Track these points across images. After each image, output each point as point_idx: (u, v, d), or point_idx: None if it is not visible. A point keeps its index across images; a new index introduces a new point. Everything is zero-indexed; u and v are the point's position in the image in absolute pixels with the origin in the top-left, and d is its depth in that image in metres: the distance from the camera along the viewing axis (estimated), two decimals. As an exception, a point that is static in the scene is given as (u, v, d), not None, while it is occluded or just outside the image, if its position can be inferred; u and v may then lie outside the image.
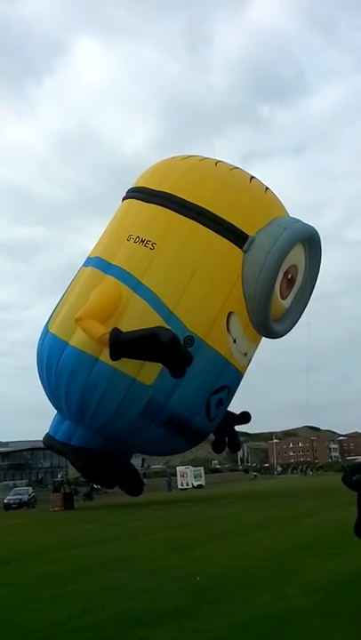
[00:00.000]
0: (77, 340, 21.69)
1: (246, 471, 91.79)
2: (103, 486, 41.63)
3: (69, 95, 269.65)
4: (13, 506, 40.61)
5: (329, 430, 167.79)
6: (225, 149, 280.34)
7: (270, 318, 22.46)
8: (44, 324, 24.31)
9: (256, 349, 24.77)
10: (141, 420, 21.20)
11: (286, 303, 23.49)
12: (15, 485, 48.80)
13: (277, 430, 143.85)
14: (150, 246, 21.73)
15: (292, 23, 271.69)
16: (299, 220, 23.14)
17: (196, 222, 21.90)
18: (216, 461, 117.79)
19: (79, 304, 21.81)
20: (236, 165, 24.43)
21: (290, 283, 23.18)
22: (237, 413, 26.64)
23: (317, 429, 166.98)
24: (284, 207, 24.53)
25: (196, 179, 22.60)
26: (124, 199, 24.80)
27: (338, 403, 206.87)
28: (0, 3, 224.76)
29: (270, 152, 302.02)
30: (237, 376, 23.82)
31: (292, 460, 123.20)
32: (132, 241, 22.13)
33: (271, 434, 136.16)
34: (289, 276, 22.85)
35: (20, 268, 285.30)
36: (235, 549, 11.70)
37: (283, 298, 23.09)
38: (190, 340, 21.14)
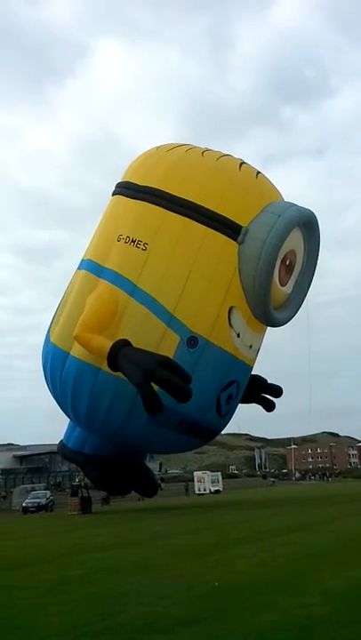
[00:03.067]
0: (78, 350, 21.34)
1: (264, 477, 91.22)
2: (118, 494, 41.65)
3: (90, 98, 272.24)
4: (31, 509, 40.80)
5: (348, 436, 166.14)
6: (246, 152, 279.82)
7: (271, 308, 21.86)
8: (46, 331, 23.96)
9: (262, 340, 24.19)
10: (152, 426, 20.91)
11: (287, 289, 22.80)
12: (33, 489, 49.02)
13: (296, 436, 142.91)
14: (142, 247, 21.09)
15: (314, 23, 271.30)
16: (293, 205, 22.19)
17: (187, 218, 21.17)
18: (234, 467, 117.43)
19: (76, 312, 21.43)
20: (227, 153, 23.33)
21: (288, 269, 22.42)
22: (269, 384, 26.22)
23: (336, 435, 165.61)
24: (277, 190, 23.47)
25: (184, 172, 21.78)
26: (113, 195, 24.07)
27: (357, 409, 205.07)
28: (23, 7, 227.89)
29: (291, 154, 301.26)
30: (246, 369, 23.34)
31: (311, 466, 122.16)
32: (122, 241, 21.50)
33: (289, 439, 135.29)
34: (287, 263, 22.15)
35: (40, 272, 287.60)
36: (253, 556, 11.61)
37: (283, 285, 22.40)
38: (194, 340, 20.76)
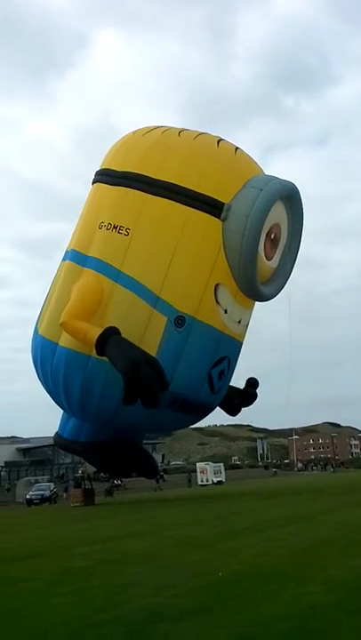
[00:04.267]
0: (66, 340, 21.44)
1: (266, 467, 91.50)
2: (118, 476, 41.77)
3: (91, 89, 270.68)
4: (35, 501, 41.02)
5: (350, 427, 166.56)
6: (247, 141, 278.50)
7: (258, 282, 21.91)
8: (34, 325, 23.97)
9: (251, 314, 24.26)
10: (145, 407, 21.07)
11: (273, 263, 22.84)
12: (37, 481, 49.23)
13: (297, 427, 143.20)
14: (124, 232, 21.07)
15: (316, 10, 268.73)
16: (274, 178, 22.17)
17: (167, 200, 21.10)
18: (236, 457, 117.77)
19: (62, 302, 21.49)
20: (204, 131, 23.18)
21: (274, 242, 22.44)
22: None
23: (338, 426, 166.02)
24: (257, 165, 23.44)
25: (161, 154, 21.64)
26: (92, 183, 23.96)
27: (359, 399, 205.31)
28: None
29: (293, 143, 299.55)
30: (235, 345, 23.51)
31: (313, 457, 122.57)
32: (103, 228, 21.51)
33: (291, 430, 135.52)
34: (272, 236, 22.16)
35: (41, 265, 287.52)
36: (256, 545, 11.64)
37: (269, 259, 22.42)
38: (181, 319, 20.84)
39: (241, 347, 24.26)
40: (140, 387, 19.10)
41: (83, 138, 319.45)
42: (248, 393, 26.27)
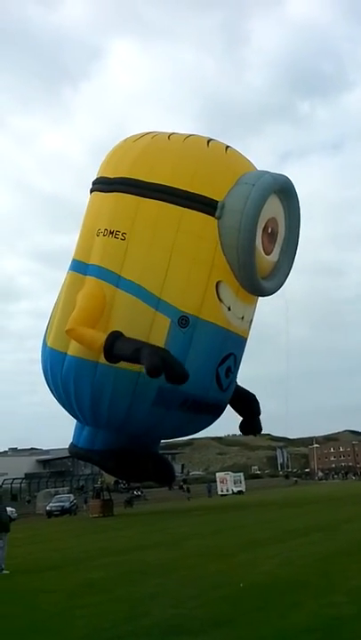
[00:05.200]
0: (74, 348, 21.65)
1: (287, 477, 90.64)
2: (135, 482, 41.56)
3: (105, 100, 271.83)
4: (55, 513, 41.02)
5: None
6: (262, 148, 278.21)
7: (258, 278, 21.90)
8: (42, 338, 24.24)
9: (254, 310, 24.25)
10: (157, 409, 21.20)
11: (273, 257, 22.82)
12: (57, 493, 49.30)
13: (318, 435, 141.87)
14: (121, 237, 21.32)
15: (331, 14, 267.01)
16: (266, 172, 22.16)
17: (161, 202, 21.24)
18: (256, 467, 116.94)
19: (68, 313, 21.75)
20: (193, 133, 23.35)
21: (271, 237, 22.42)
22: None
23: (359, 433, 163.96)
24: (249, 161, 23.46)
25: (152, 157, 21.83)
26: (90, 193, 24.33)
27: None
28: (36, 11, 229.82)
29: (309, 149, 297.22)
30: (240, 341, 23.57)
31: (334, 465, 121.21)
32: (101, 235, 21.77)
33: (311, 439, 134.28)
34: (269, 231, 22.14)
35: (59, 276, 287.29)
36: (277, 556, 11.55)
37: (268, 253, 22.38)
38: (185, 319, 20.95)
39: (245, 343, 24.34)
40: (169, 368, 19.53)
41: (98, 149, 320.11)
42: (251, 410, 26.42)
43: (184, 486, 60.96)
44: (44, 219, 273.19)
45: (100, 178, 23.27)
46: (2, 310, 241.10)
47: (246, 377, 27.20)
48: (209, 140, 22.65)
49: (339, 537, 14.04)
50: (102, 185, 22.90)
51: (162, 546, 15.68)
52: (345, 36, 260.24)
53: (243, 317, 22.99)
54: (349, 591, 7.70)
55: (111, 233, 21.45)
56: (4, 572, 12.59)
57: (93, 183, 23.74)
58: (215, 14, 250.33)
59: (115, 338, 19.96)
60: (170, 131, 23.28)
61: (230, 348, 22.63)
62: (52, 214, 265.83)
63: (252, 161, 23.73)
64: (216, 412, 24.35)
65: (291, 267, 23.64)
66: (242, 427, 27.24)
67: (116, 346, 19.94)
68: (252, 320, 24.19)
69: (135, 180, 21.60)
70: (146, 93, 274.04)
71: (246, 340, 24.21)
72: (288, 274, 23.60)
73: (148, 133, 23.21)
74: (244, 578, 9.11)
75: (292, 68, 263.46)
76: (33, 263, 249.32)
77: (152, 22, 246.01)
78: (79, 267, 22.51)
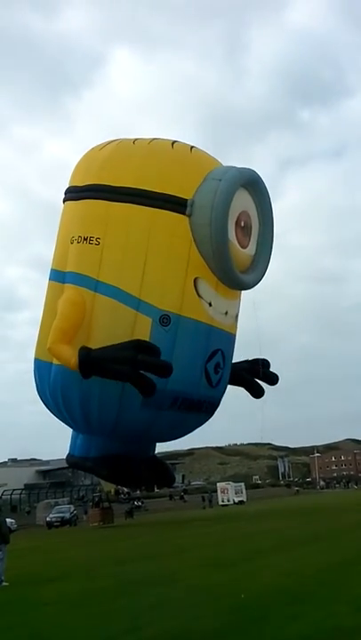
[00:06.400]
0: None
1: (288, 486, 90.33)
2: (132, 487, 41.32)
3: (107, 109, 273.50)
4: (55, 524, 40.85)
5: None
6: (264, 156, 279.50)
7: (236, 271, 22.18)
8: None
9: (239, 305, 24.39)
10: (147, 411, 21.25)
11: (250, 251, 23.16)
12: (57, 503, 49.12)
13: (319, 444, 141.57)
14: (95, 242, 21.69)
15: (330, 22, 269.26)
16: (232, 167, 22.57)
17: (130, 204, 21.68)
18: (257, 477, 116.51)
19: (49, 322, 22.09)
20: (158, 137, 23.56)
21: (245, 230, 22.77)
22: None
23: (360, 442, 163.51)
24: (215, 159, 23.97)
25: (118, 162, 22.23)
26: (63, 203, 24.74)
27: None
28: (38, 20, 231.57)
29: (310, 156, 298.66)
30: (226, 336, 23.68)
31: (335, 474, 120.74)
32: (75, 242, 22.17)
33: (313, 447, 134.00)
34: (242, 224, 22.49)
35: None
36: (279, 566, 11.50)
37: (244, 247, 22.71)
38: (166, 318, 21.16)
39: (234, 339, 24.45)
40: (150, 368, 19.63)
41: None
42: (255, 371, 26.04)
43: (177, 496, 60.90)
44: (45, 228, 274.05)
45: (70, 187, 23.85)
46: (3, 320, 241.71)
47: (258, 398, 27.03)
48: (173, 142, 23.23)
49: (341, 546, 13.98)
50: (72, 194, 23.44)
51: (163, 556, 15.62)
52: (345, 43, 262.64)
53: (226, 313, 23.24)
54: (351, 601, 7.66)
55: (85, 239, 21.88)
56: (4, 583, 12.51)
57: (65, 193, 24.29)
58: (216, 23, 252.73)
59: (86, 355, 20.09)
60: (134, 137, 23.83)
61: (216, 344, 22.83)
62: (54, 223, 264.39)
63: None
64: (209, 410, 24.40)
65: (269, 259, 24.07)
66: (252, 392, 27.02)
67: (95, 366, 20.16)
68: (237, 315, 24.40)
69: (103, 185, 22.12)
70: (147, 102, 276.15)
71: (234, 335, 24.40)
72: (267, 266, 24.01)
73: (113, 140, 23.81)
74: (245, 588, 9.07)
75: (293, 75, 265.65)
76: (34, 272, 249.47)
77: (154, 31, 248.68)
78: (57, 276, 22.96)
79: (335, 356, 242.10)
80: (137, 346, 20.09)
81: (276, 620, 7.07)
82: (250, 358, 26.43)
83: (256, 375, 25.98)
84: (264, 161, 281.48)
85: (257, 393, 26.70)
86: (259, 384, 26.55)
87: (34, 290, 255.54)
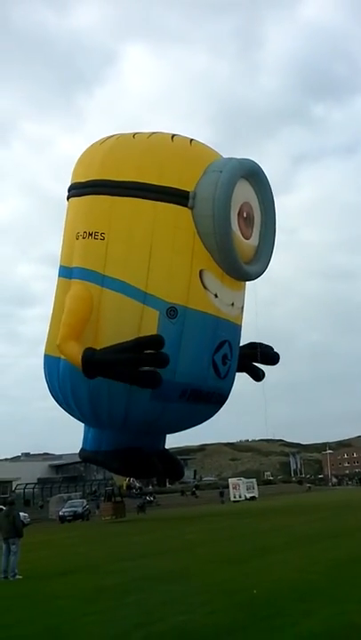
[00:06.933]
0: None
1: (300, 483, 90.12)
2: (145, 478, 41.49)
3: (119, 105, 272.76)
4: (68, 518, 41.13)
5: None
6: (277, 152, 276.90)
7: (241, 262, 22.22)
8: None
9: (244, 296, 24.36)
10: (156, 403, 21.37)
11: (253, 242, 23.21)
12: (70, 498, 49.41)
13: (331, 440, 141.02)
14: (100, 237, 21.80)
15: (344, 16, 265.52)
16: (232, 158, 22.71)
17: (134, 198, 21.72)
18: (268, 473, 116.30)
19: (58, 317, 22.21)
20: (157, 130, 23.71)
21: (248, 221, 22.76)
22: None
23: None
24: (215, 151, 24.00)
25: (119, 157, 22.36)
26: (67, 200, 24.81)
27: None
28: (51, 16, 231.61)
29: (323, 152, 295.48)
30: (233, 327, 23.71)
31: (347, 471, 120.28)
32: (80, 238, 22.31)
33: (325, 444, 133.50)
34: (244, 215, 22.51)
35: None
36: (291, 562, 11.49)
37: (247, 238, 22.78)
38: (173, 310, 21.24)
39: (240, 330, 24.48)
40: (152, 364, 19.92)
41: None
42: (254, 355, 25.94)
43: (189, 491, 61.01)
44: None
45: (73, 184, 23.95)
46: (16, 316, 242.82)
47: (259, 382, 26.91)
48: (173, 136, 23.32)
49: (352, 544, 13.93)
50: (76, 190, 23.58)
51: (174, 552, 15.67)
52: (358, 38, 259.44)
53: (233, 304, 23.30)
54: (363, 599, 7.64)
55: (90, 234, 22.01)
56: (18, 576, 12.64)
57: (68, 190, 24.36)
58: (229, 18, 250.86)
59: (89, 358, 20.16)
60: (133, 131, 23.85)
61: (224, 335, 22.89)
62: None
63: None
64: (219, 401, 24.45)
65: (272, 249, 24.11)
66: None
67: (98, 369, 20.28)
68: (242, 306, 24.37)
69: (106, 180, 22.24)
70: (160, 98, 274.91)
71: (240, 326, 24.40)
72: (271, 257, 23.98)
73: (112, 135, 24.00)
74: (256, 584, 9.07)
75: (306, 70, 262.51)
76: (46, 269, 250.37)
77: (166, 27, 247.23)
78: (65, 272, 23.11)
79: (348, 353, 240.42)
80: (137, 345, 20.14)
81: (288, 616, 7.07)
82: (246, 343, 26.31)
83: (255, 359, 25.94)
84: (277, 157, 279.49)
85: (258, 376, 26.75)
86: (258, 367, 26.58)
87: (46, 286, 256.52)
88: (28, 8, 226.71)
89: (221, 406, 25.07)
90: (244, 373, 26.77)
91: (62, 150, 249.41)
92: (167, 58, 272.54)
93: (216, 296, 22.34)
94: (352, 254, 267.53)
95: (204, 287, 21.99)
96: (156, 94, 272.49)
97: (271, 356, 26.56)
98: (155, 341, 20.27)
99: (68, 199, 24.32)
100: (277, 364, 26.73)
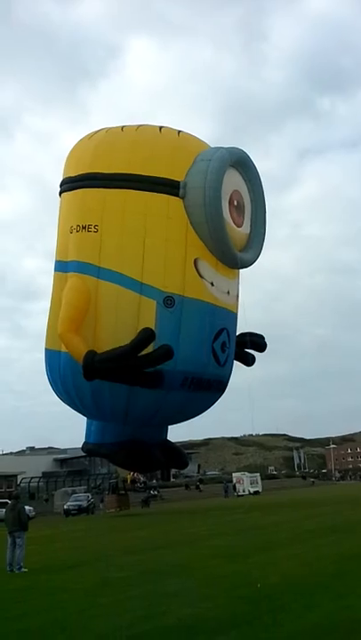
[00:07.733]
0: None
1: (304, 477, 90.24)
2: (148, 471, 41.60)
3: (123, 98, 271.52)
4: (73, 512, 41.32)
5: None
6: (282, 145, 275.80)
7: (234, 250, 22.45)
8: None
9: (238, 284, 24.59)
10: (157, 392, 21.40)
11: (245, 229, 23.47)
12: (74, 492, 49.63)
13: (335, 435, 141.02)
14: (93, 229, 21.97)
15: (350, 9, 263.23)
16: (221, 148, 22.90)
17: (124, 190, 21.89)
18: (272, 467, 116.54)
19: (56, 311, 22.37)
20: (145, 122, 23.88)
21: (238, 209, 22.99)
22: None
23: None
24: (203, 142, 24.26)
25: (108, 149, 22.51)
26: (59, 195, 24.95)
27: None
28: (54, 9, 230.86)
29: (328, 146, 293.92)
30: (230, 315, 23.95)
31: (351, 466, 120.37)
32: (74, 232, 22.49)
33: (328, 439, 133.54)
34: (235, 203, 22.73)
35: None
36: (295, 557, 11.54)
37: (239, 226, 23.03)
38: (170, 299, 21.38)
39: (236, 318, 24.64)
40: (156, 362, 20.13)
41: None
42: (243, 342, 26.08)
43: (193, 485, 61.15)
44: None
45: (65, 178, 24.17)
46: (22, 310, 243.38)
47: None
48: (161, 127, 23.51)
49: (356, 539, 13.98)
50: (67, 185, 23.73)
51: (179, 545, 15.74)
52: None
53: (228, 292, 23.51)
54: (367, 593, 7.67)
55: (83, 228, 22.19)
56: (24, 569, 12.73)
57: (60, 185, 24.55)
58: (234, 11, 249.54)
59: (91, 360, 20.22)
60: (122, 124, 23.88)
61: (222, 322, 23.05)
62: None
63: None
64: (219, 388, 24.58)
65: (264, 237, 24.30)
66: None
67: (100, 373, 20.39)
68: (238, 295, 24.56)
69: (96, 173, 22.36)
70: (164, 91, 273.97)
71: (236, 314, 24.56)
72: (263, 244, 24.22)
73: (101, 129, 24.08)
74: (261, 578, 9.12)
75: (312, 63, 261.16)
76: (51, 263, 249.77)
77: (170, 19, 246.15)
78: (61, 266, 23.29)
79: (352, 348, 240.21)
80: (135, 347, 20.25)
81: (292, 610, 7.11)
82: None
83: (244, 346, 26.18)
84: (282, 150, 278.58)
85: (247, 362, 26.92)
86: (248, 353, 26.72)
87: (51, 280, 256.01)
88: (31, 1, 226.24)
89: (222, 394, 25.20)
90: (246, 369, 26.91)
91: (67, 144, 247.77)
92: (171, 51, 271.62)
93: (212, 284, 22.55)
94: (358, 249, 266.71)
95: (200, 276, 22.18)
96: (161, 87, 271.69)
97: (259, 343, 26.85)
98: (147, 337, 20.36)
99: (60, 194, 24.47)
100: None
